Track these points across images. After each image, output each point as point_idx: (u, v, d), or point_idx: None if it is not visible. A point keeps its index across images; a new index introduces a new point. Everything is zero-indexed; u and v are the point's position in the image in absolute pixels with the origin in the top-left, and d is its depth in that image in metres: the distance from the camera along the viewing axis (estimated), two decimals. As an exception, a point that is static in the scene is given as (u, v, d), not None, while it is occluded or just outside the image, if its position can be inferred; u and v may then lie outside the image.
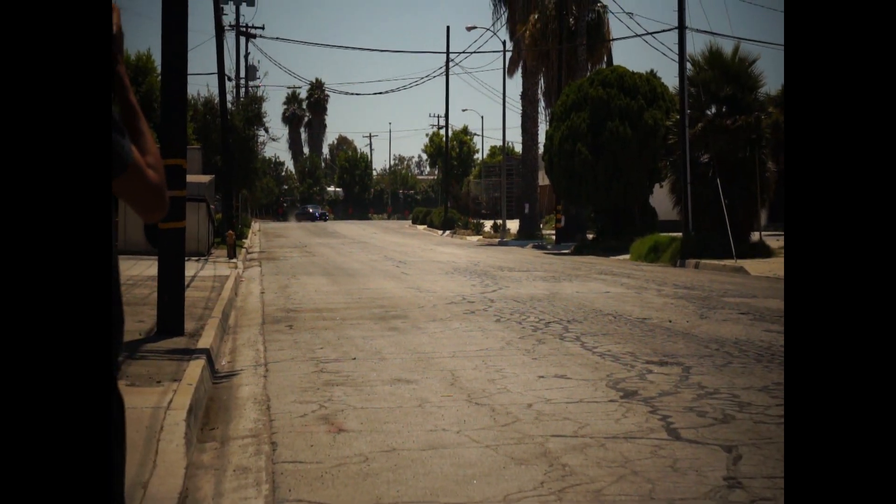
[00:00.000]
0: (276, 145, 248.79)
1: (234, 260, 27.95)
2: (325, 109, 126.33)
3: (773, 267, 25.18)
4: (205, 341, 10.89)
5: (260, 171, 57.62)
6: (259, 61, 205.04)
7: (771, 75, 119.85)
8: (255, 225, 70.30)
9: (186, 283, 12.90)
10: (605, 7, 51.55)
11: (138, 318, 12.49)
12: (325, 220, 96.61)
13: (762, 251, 29.05)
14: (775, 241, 33.12)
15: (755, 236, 30.71)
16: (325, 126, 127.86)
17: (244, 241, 41.87)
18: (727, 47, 34.37)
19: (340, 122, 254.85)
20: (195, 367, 9.00)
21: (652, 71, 40.56)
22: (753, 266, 25.42)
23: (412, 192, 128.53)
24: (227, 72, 42.56)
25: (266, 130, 50.74)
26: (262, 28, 57.60)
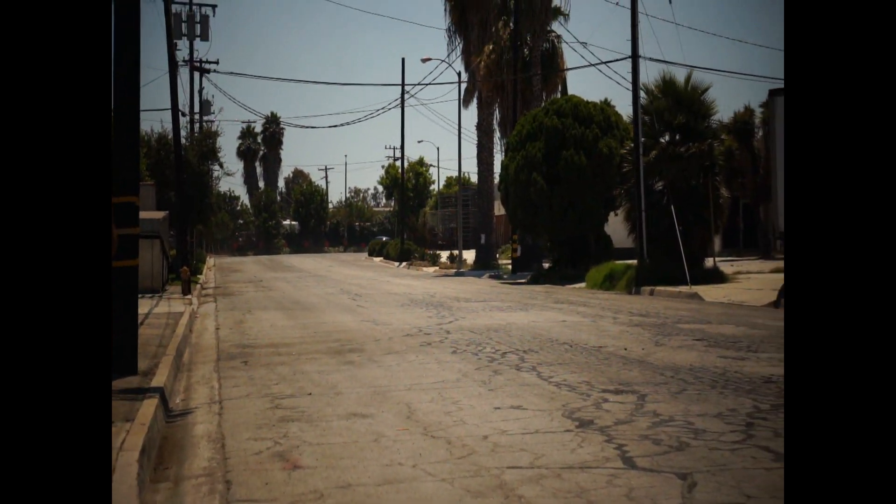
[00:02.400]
0: (231, 180, 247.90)
1: (189, 296, 27.76)
2: (280, 143, 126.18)
3: (728, 293, 25.34)
4: (158, 380, 10.78)
5: (215, 206, 57.34)
6: (213, 96, 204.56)
7: (723, 103, 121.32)
8: (211, 260, 69.95)
9: (140, 320, 12.79)
10: (559, 37, 51.98)
11: (91, 357, 12.33)
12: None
13: (716, 277, 29.23)
14: (729, 267, 33.36)
15: (709, 262, 30.93)
16: (280, 160, 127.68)
17: (199, 276, 41.63)
18: (680, 76, 34.78)
19: (296, 155, 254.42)
20: (148, 407, 8.90)
21: (606, 100, 40.92)
22: (708, 292, 25.58)
23: (368, 224, 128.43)
24: (181, 107, 42.43)
25: (221, 165, 50.59)
26: (217, 63, 57.45)
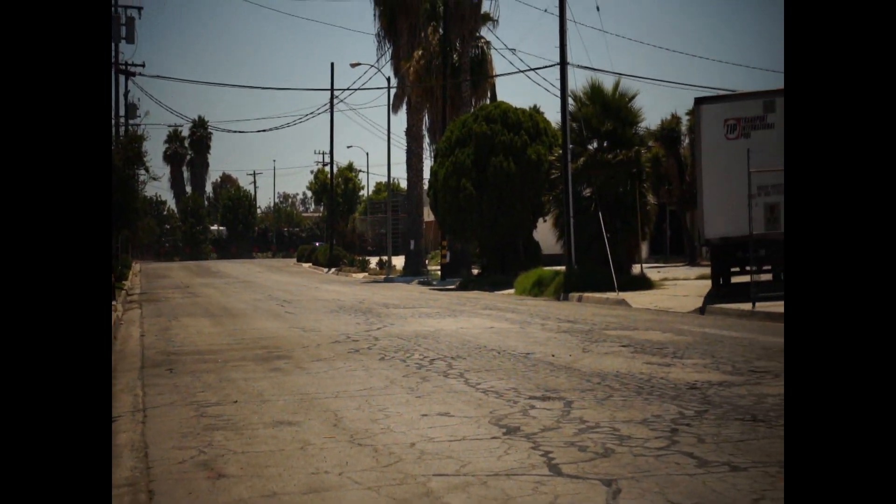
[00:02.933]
0: (157, 184, 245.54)
1: (114, 302, 27.41)
2: (208, 148, 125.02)
3: (654, 299, 25.58)
4: (81, 387, 10.61)
5: (141, 211, 56.65)
6: (139, 100, 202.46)
7: (650, 110, 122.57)
8: (137, 266, 69.14)
9: (62, 327, 12.57)
10: (488, 43, 52.14)
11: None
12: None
13: (643, 283, 29.50)
14: (656, 274, 33.69)
15: (637, 269, 31.19)
16: (207, 164, 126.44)
17: (124, 282, 41.14)
18: (608, 83, 35.09)
19: (224, 160, 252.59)
20: (70, 415, 8.76)
21: (535, 106, 41.17)
22: (635, 298, 25.79)
23: (297, 229, 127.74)
24: (105, 111, 41.79)
25: (147, 170, 49.94)
26: (143, 66, 56.92)
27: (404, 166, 54.96)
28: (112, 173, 40.94)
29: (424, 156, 53.14)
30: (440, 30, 48.15)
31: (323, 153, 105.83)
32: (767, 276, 23.27)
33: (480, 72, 50.81)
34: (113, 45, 53.21)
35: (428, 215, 53.74)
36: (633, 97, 32.25)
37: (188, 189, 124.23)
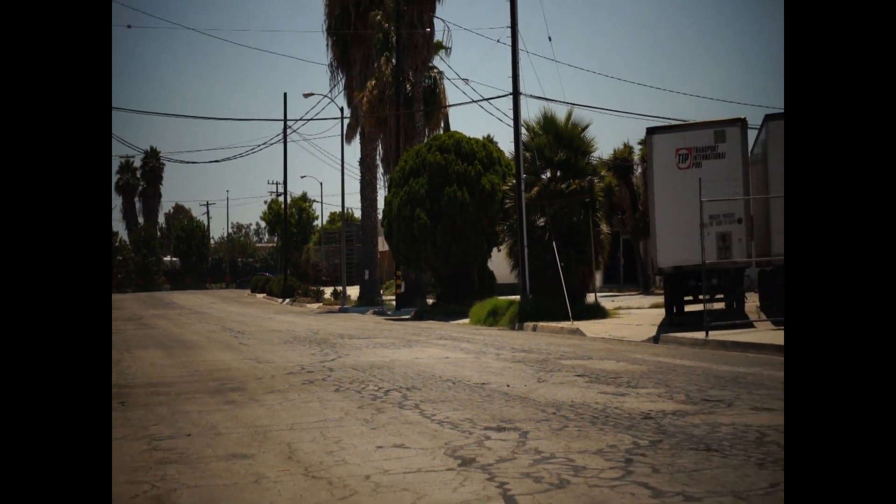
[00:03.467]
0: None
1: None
2: (160, 178, 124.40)
3: (608, 328, 25.68)
4: (31, 422, 10.48)
5: (93, 242, 56.12)
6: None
7: (603, 140, 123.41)
8: (89, 297, 68.46)
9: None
10: (441, 73, 52.35)
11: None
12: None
13: (597, 312, 29.61)
14: (610, 303, 33.83)
15: (591, 298, 31.30)
16: (160, 195, 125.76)
17: (77, 314, 40.68)
18: (561, 113, 35.26)
19: (177, 190, 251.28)
20: (20, 451, 8.64)
21: (489, 136, 41.35)
22: (589, 327, 25.88)
23: (251, 260, 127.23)
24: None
25: (99, 200, 49.63)
26: (94, 96, 56.31)
27: (358, 196, 55.04)
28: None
29: (378, 186, 53.23)
30: (393, 60, 48.28)
31: (277, 183, 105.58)
32: (720, 305, 23.47)
33: (434, 102, 50.97)
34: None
35: (383, 245, 53.71)
36: (586, 127, 32.48)
37: (140, 220, 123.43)
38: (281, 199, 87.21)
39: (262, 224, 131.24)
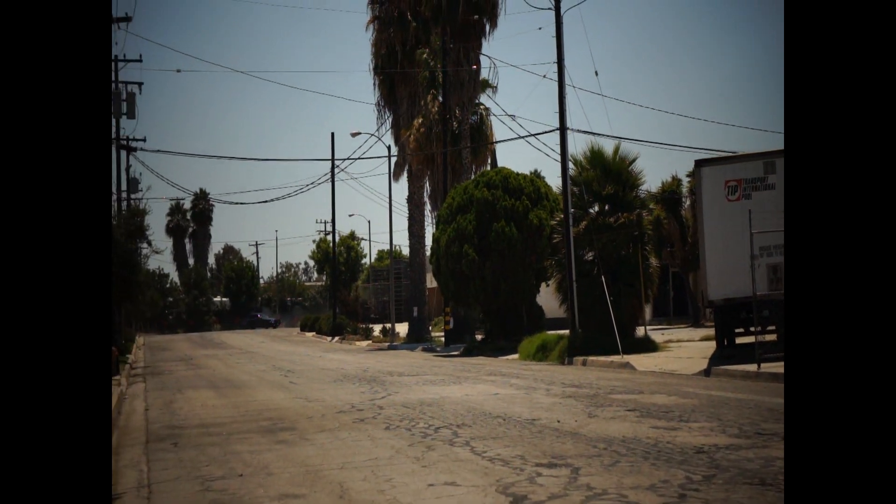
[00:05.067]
0: (160, 257, 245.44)
1: (118, 376, 27.35)
2: (210, 219, 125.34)
3: (659, 361, 25.50)
4: (85, 464, 10.54)
5: (144, 285, 56.70)
6: (141, 174, 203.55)
7: (651, 173, 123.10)
8: (140, 339, 69.10)
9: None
10: (487, 110, 52.48)
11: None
12: (276, 326, 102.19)
13: (648, 346, 29.43)
14: (660, 336, 33.62)
15: (640, 331, 31.13)
16: (210, 236, 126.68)
17: (128, 356, 41.07)
18: (608, 146, 35.26)
19: (226, 231, 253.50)
20: (74, 492, 8.70)
21: (535, 171, 41.37)
22: (639, 361, 25.72)
23: (300, 298, 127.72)
24: (107, 185, 41.95)
25: (149, 243, 50.07)
26: (144, 140, 57.29)
27: (406, 233, 55.15)
28: (112, 248, 41.09)
29: (426, 222, 53.34)
30: (439, 97, 48.49)
31: (325, 222, 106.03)
32: (772, 337, 23.23)
33: (480, 138, 51.11)
34: (114, 120, 53.64)
35: (431, 282, 53.75)
36: (634, 160, 32.37)
37: (191, 261, 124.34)
38: (329, 237, 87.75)
39: (311, 263, 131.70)
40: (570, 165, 32.48)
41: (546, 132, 41.72)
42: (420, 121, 50.41)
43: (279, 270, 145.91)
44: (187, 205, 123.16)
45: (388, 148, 54.93)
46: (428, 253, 48.88)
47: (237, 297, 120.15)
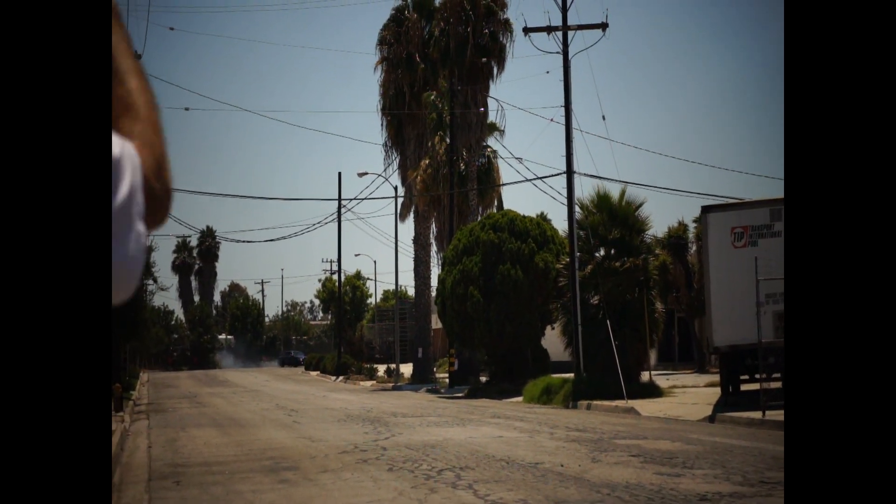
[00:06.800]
0: (165, 294, 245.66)
1: (121, 413, 27.33)
2: (216, 257, 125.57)
3: (663, 407, 25.44)
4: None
5: (149, 322, 56.81)
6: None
7: (657, 218, 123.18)
8: (144, 376, 69.01)
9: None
10: (494, 152, 52.68)
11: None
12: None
13: (652, 391, 29.36)
14: (665, 381, 33.54)
15: (645, 376, 31.07)
16: (216, 273, 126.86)
17: (132, 392, 41.04)
18: (614, 191, 35.30)
19: (232, 268, 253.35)
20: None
21: (542, 214, 41.40)
22: (644, 406, 25.65)
23: (305, 337, 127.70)
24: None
25: (155, 280, 50.24)
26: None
27: (412, 274, 55.17)
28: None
29: (432, 263, 53.38)
30: (447, 139, 48.65)
31: (331, 261, 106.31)
32: (777, 384, 23.19)
33: (487, 180, 51.28)
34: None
35: (436, 323, 53.71)
36: (640, 205, 32.45)
37: (196, 298, 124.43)
38: (335, 277, 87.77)
39: (317, 302, 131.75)
40: (577, 209, 32.58)
41: (553, 175, 41.96)
42: (427, 162, 50.61)
43: (285, 309, 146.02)
44: (194, 242, 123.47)
45: (395, 188, 55.13)
46: (433, 294, 48.88)
47: (242, 334, 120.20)
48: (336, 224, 67.90)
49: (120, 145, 1.73)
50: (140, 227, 1.77)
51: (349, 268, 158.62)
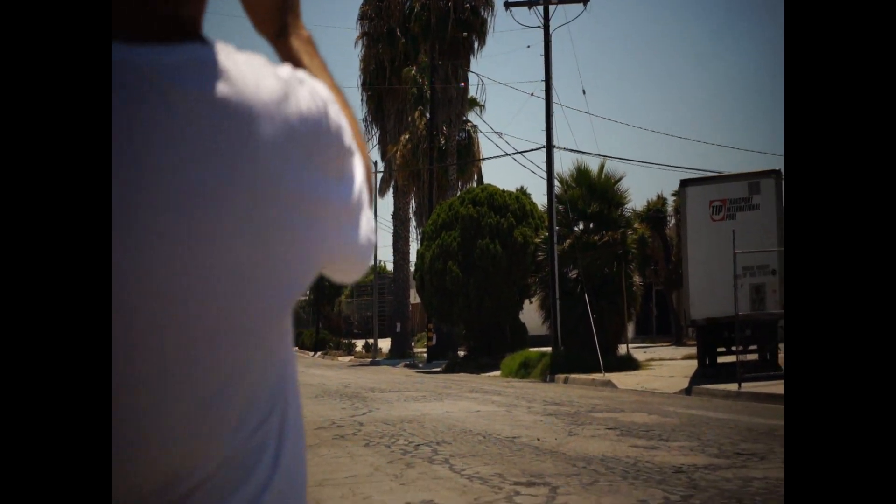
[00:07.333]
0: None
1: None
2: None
3: (641, 380, 25.52)
4: None
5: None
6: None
7: (636, 191, 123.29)
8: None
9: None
10: (475, 127, 52.62)
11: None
12: None
13: (630, 364, 29.44)
14: (642, 354, 33.63)
15: (623, 349, 31.15)
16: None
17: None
18: (594, 165, 35.38)
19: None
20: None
21: (522, 188, 41.35)
22: (621, 379, 25.72)
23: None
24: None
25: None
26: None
27: (391, 249, 55.14)
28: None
29: (411, 238, 53.38)
30: (427, 114, 48.57)
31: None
32: (753, 356, 23.30)
33: (467, 155, 51.22)
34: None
35: (414, 298, 53.72)
36: (619, 179, 32.48)
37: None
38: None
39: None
40: (556, 183, 32.56)
41: (533, 150, 41.95)
42: (407, 137, 50.53)
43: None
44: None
45: (375, 164, 55.00)
46: (412, 269, 48.87)
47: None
48: (315, 199, 67.61)
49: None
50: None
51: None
